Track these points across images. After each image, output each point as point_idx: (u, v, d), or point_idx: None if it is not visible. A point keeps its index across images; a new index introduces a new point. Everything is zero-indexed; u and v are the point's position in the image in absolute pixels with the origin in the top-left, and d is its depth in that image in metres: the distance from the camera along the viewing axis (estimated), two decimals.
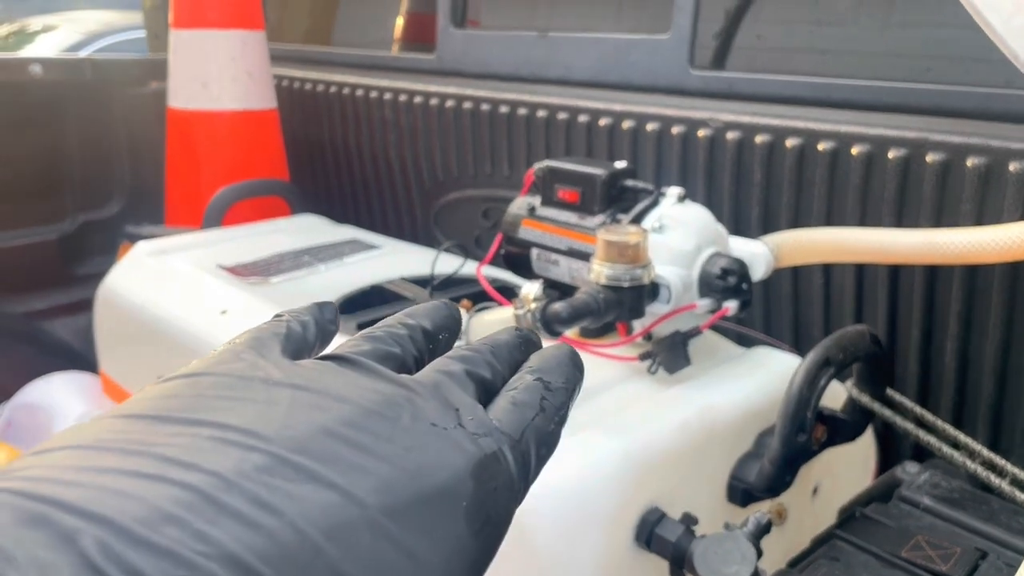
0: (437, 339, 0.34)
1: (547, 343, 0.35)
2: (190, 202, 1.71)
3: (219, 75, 1.68)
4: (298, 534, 0.22)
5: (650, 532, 0.72)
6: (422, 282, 1.13)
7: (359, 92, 1.76)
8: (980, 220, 0.97)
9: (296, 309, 0.34)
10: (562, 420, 0.31)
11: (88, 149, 1.95)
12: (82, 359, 1.72)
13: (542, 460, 0.30)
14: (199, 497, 0.22)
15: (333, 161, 1.91)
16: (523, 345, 0.34)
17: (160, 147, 1.81)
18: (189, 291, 1.17)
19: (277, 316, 0.33)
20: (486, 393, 0.31)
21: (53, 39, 4.91)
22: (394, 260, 1.29)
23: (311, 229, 1.48)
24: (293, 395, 0.27)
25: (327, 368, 0.29)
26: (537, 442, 0.29)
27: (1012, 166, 0.93)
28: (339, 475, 0.24)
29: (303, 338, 0.32)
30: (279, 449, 0.24)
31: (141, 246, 1.33)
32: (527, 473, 0.29)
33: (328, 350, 0.32)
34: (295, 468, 0.24)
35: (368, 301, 1.10)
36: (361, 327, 1.00)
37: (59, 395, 1.59)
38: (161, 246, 1.34)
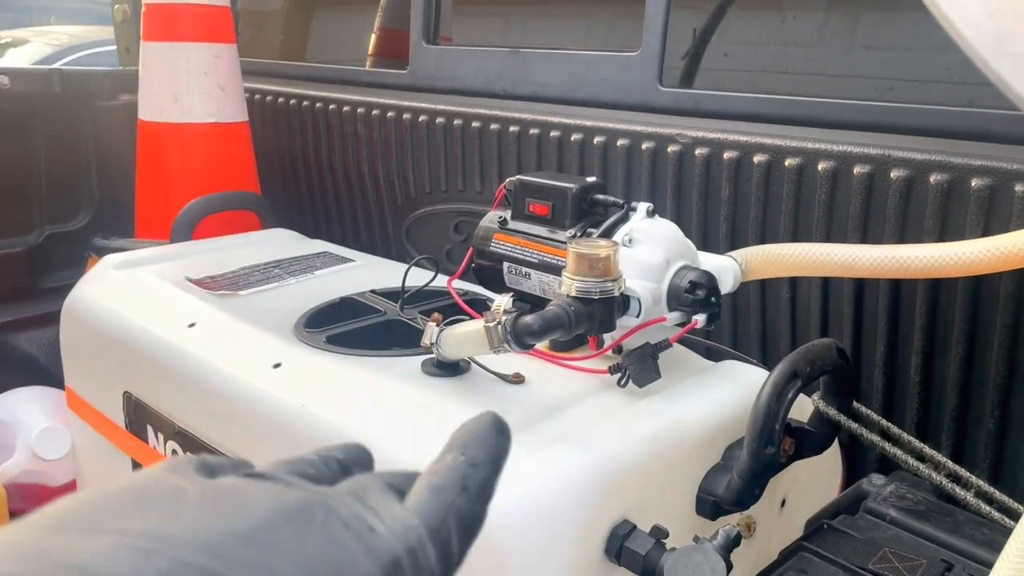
0: (351, 470, 0.34)
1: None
2: (160, 215, 1.69)
3: (190, 88, 1.68)
4: None
5: (620, 545, 0.72)
6: (393, 295, 1.12)
7: (332, 107, 1.76)
8: (943, 235, 0.99)
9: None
10: (487, 497, 0.31)
11: (56, 161, 1.93)
12: (48, 373, 1.69)
13: (467, 543, 0.30)
14: None
15: (305, 175, 1.91)
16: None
17: (130, 160, 1.79)
18: (157, 304, 1.16)
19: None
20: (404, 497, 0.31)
21: (24, 52, 4.86)
22: (365, 273, 1.29)
23: (282, 243, 1.48)
24: (202, 501, 0.26)
25: (240, 480, 0.29)
26: (460, 526, 0.29)
27: (973, 182, 0.95)
28: None
29: (218, 464, 0.32)
30: (184, 552, 0.24)
31: (108, 259, 1.32)
32: (450, 561, 0.29)
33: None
34: (200, 571, 0.23)
35: (339, 314, 1.10)
36: (330, 341, 0.99)
37: (23, 410, 1.56)
38: (129, 259, 1.32)
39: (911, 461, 0.85)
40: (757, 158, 1.13)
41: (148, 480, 0.28)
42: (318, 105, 1.79)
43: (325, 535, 0.26)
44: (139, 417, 1.11)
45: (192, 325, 1.08)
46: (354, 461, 0.35)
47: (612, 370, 0.86)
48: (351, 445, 0.36)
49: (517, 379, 0.89)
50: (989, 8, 0.31)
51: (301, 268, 1.30)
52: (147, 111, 1.71)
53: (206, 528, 0.25)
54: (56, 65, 4.28)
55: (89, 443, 1.27)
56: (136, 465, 1.15)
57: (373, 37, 2.20)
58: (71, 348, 1.28)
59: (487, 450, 0.32)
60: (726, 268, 0.93)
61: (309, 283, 1.24)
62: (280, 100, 1.89)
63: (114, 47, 2.22)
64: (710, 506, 0.81)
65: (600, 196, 0.95)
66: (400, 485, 0.31)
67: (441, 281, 1.08)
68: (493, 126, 1.45)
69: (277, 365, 0.95)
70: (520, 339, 0.76)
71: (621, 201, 0.93)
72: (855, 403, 0.89)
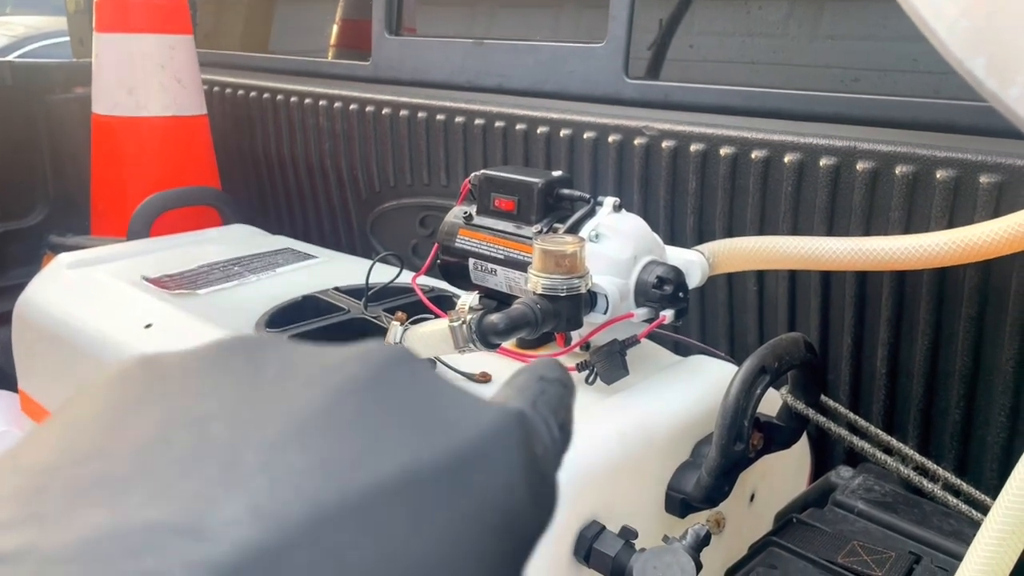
0: None
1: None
2: (117, 212, 1.65)
3: (146, 81, 1.63)
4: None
5: (589, 547, 0.70)
6: (356, 293, 1.10)
7: (293, 99, 1.73)
8: (908, 227, 0.99)
9: None
10: (568, 408, 0.28)
11: (9, 156, 1.87)
12: (1, 375, 1.65)
13: (564, 432, 0.27)
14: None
15: (266, 170, 1.87)
16: None
17: (86, 154, 1.75)
18: (111, 304, 1.13)
19: None
20: None
21: None
22: (328, 270, 1.27)
23: (243, 239, 1.44)
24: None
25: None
26: (552, 411, 0.26)
27: (939, 174, 0.95)
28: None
29: None
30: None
31: (62, 257, 1.28)
32: (553, 436, 0.26)
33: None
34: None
35: (301, 313, 1.07)
36: (292, 340, 0.97)
37: None
38: (83, 257, 1.28)
39: (879, 454, 0.85)
40: (724, 150, 1.12)
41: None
42: (279, 97, 1.76)
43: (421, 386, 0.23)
44: None
45: (148, 326, 1.05)
46: None
47: (580, 367, 0.85)
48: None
49: (484, 378, 0.87)
50: (964, 7, 0.30)
51: (262, 265, 1.27)
52: (101, 104, 1.67)
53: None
54: (11, 57, 4.17)
55: None
56: None
57: (335, 28, 2.16)
58: (24, 350, 1.24)
59: (557, 373, 0.29)
60: (693, 262, 0.92)
61: (270, 281, 1.21)
62: (240, 92, 1.85)
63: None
64: (679, 504, 0.80)
65: (566, 191, 0.93)
66: None
67: (406, 277, 1.06)
68: (458, 119, 1.43)
69: None
70: (486, 338, 0.75)
71: (588, 196, 0.91)
72: (823, 396, 0.89)
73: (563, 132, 1.29)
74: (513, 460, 0.22)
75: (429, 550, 0.19)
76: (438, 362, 0.89)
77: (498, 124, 1.38)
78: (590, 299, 0.82)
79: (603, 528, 0.72)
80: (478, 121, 1.40)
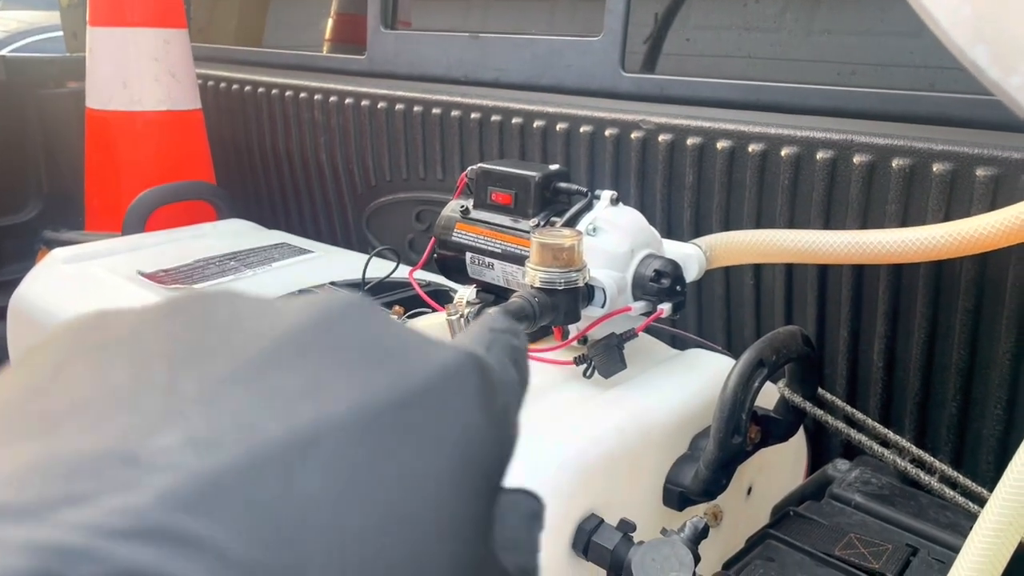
0: None
1: None
2: (111, 207, 1.65)
3: (140, 75, 1.62)
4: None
5: (587, 540, 0.70)
6: (353, 287, 1.10)
7: (288, 93, 1.72)
8: (905, 220, 0.99)
9: None
10: (520, 354, 0.27)
11: (1, 151, 1.87)
12: None
13: (521, 375, 0.27)
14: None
15: (261, 164, 1.86)
16: None
17: (80, 149, 1.74)
18: (106, 299, 1.12)
19: None
20: None
21: None
22: (325, 265, 1.26)
23: (238, 234, 1.44)
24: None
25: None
26: (507, 354, 0.26)
27: (935, 167, 0.95)
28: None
29: None
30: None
31: (57, 252, 1.27)
32: (510, 376, 0.26)
33: None
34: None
35: None
36: None
37: None
38: (78, 252, 1.28)
39: (875, 447, 0.85)
40: (721, 144, 1.12)
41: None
42: (274, 92, 1.75)
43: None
44: None
45: None
46: None
47: (577, 361, 0.85)
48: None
49: None
50: None
51: (258, 260, 1.27)
52: (95, 99, 1.66)
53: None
54: (4, 51, 4.16)
55: None
56: None
57: (329, 22, 2.16)
58: (19, 345, 1.24)
59: (504, 324, 0.28)
60: (690, 256, 0.92)
61: (266, 275, 1.21)
62: (235, 87, 1.85)
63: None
64: (677, 497, 0.80)
65: (563, 184, 0.93)
66: None
67: (403, 272, 1.06)
68: (454, 113, 1.43)
69: None
70: None
71: (585, 189, 0.91)
72: (820, 390, 0.89)
73: (560, 126, 1.29)
74: (470, 395, 0.22)
75: (387, 484, 0.19)
76: None
77: (494, 118, 1.37)
78: (588, 292, 0.82)
79: (601, 521, 0.72)
80: (474, 115, 1.40)
